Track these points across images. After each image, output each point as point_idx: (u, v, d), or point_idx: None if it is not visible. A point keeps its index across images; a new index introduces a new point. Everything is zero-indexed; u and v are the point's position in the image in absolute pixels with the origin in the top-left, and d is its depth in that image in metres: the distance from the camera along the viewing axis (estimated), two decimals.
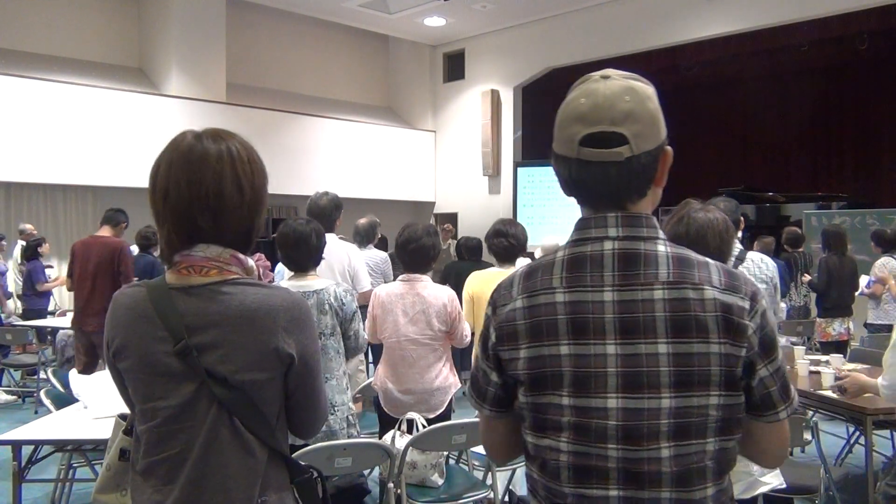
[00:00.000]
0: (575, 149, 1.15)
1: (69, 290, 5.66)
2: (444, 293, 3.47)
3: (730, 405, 1.14)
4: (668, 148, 1.19)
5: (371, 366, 5.48)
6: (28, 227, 8.20)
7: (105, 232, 5.53)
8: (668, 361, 1.11)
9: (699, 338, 1.11)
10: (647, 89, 1.18)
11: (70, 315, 6.75)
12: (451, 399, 3.51)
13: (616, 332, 1.13)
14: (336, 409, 2.93)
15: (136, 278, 5.41)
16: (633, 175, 1.16)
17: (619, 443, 1.12)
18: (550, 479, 1.19)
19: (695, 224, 2.20)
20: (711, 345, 1.11)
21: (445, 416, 3.44)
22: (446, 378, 3.46)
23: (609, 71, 1.19)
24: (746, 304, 1.14)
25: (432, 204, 13.50)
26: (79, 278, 5.32)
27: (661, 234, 1.19)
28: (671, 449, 1.11)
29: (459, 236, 8.38)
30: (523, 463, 3.92)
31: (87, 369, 4.94)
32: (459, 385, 3.61)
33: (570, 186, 1.21)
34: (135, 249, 7.01)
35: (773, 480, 2.14)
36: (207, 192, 1.30)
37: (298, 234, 3.01)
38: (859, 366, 4.25)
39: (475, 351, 1.32)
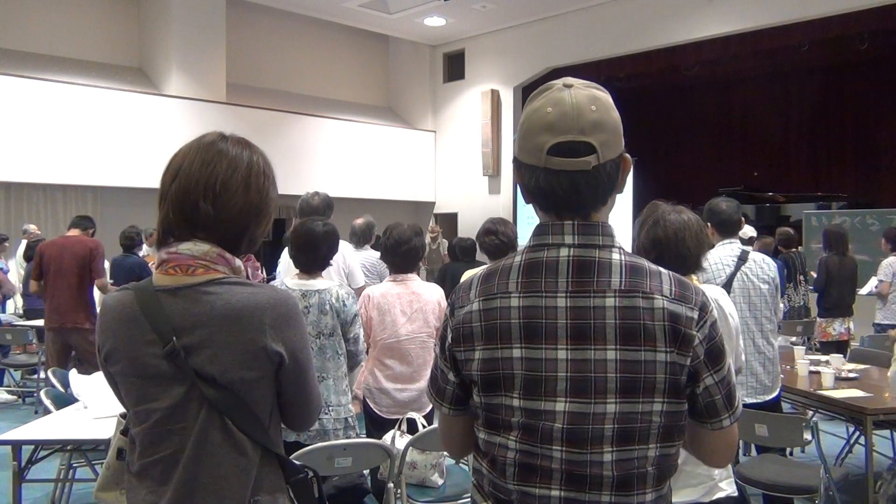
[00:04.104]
0: (543, 158, 1.16)
1: (34, 292, 5.73)
2: (437, 291, 3.52)
3: (673, 412, 1.16)
4: (627, 155, 1.22)
5: None
6: (31, 227, 8.20)
7: (75, 233, 5.67)
8: (615, 368, 1.13)
9: (646, 346, 1.13)
10: (609, 99, 1.20)
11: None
12: None
13: (567, 337, 1.15)
14: (331, 408, 2.92)
15: (110, 280, 5.54)
16: (600, 183, 1.18)
17: (563, 445, 1.15)
18: (498, 475, 1.22)
19: (672, 226, 2.18)
20: (658, 353, 1.13)
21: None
22: None
23: (570, 79, 1.20)
24: (695, 315, 1.16)
25: (432, 204, 13.50)
26: (54, 277, 5.40)
27: (616, 242, 1.21)
28: (614, 454, 1.14)
29: (455, 237, 8.38)
30: None
31: (64, 366, 4.98)
32: None
33: (534, 195, 1.22)
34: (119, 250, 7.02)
35: (728, 488, 2.15)
36: (216, 179, 1.33)
37: (311, 238, 2.98)
38: (861, 366, 4.26)
39: (434, 350, 1.36)
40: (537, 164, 1.17)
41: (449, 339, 1.26)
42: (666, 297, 1.15)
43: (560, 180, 1.16)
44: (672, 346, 1.13)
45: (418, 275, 3.60)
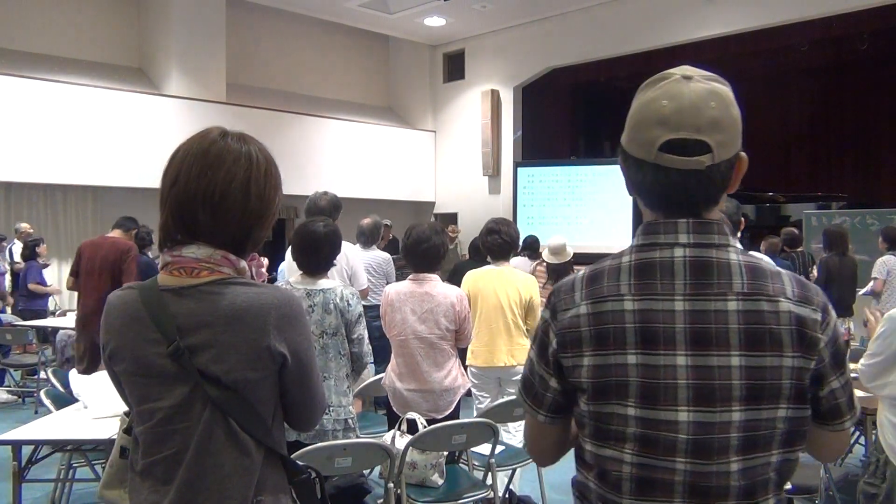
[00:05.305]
0: (653, 153, 1.11)
1: (70, 288, 5.67)
2: (453, 292, 3.49)
3: (796, 418, 1.12)
4: (744, 154, 1.15)
5: (372, 364, 5.45)
6: (24, 226, 8.17)
7: (116, 234, 5.58)
8: (740, 374, 1.08)
9: (773, 351, 1.09)
10: (730, 93, 1.13)
11: (70, 315, 6.77)
12: (459, 400, 3.50)
13: (687, 342, 1.10)
14: (332, 409, 2.92)
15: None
16: (712, 184, 1.12)
17: (688, 457, 1.10)
18: (610, 489, 1.16)
19: None
20: (784, 358, 1.09)
21: (454, 416, 3.43)
22: (455, 379, 3.44)
23: (689, 69, 1.15)
24: (819, 317, 1.12)
25: (432, 204, 13.49)
26: (85, 278, 5.30)
27: (731, 241, 1.15)
28: (740, 462, 1.10)
29: (463, 237, 8.39)
30: (523, 463, 3.91)
31: (90, 369, 4.93)
32: (468, 386, 3.62)
33: (640, 190, 1.17)
34: None
35: None
36: (214, 190, 1.31)
37: (313, 240, 2.98)
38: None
39: (528, 354, 1.27)
40: (646, 158, 1.12)
41: (553, 344, 1.18)
42: (790, 299, 1.11)
43: (670, 178, 1.11)
44: (798, 350, 1.09)
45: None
